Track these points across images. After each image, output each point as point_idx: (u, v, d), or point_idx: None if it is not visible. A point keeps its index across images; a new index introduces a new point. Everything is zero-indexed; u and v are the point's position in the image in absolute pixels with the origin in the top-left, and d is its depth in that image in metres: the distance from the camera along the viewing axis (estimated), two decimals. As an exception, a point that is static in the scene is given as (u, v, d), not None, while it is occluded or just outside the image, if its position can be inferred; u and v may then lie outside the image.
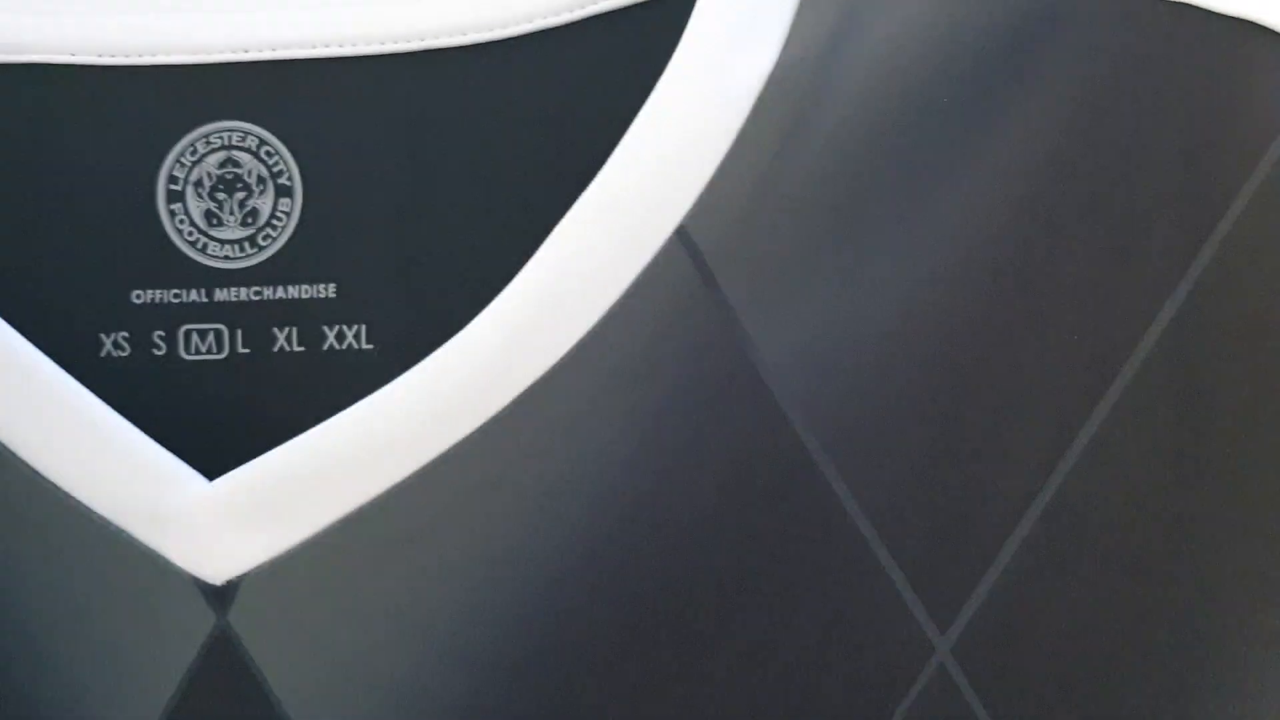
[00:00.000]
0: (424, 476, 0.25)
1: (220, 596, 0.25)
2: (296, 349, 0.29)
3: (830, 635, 0.25)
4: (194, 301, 0.29)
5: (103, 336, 0.29)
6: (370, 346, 0.29)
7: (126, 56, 0.29)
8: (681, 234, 0.25)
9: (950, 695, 0.26)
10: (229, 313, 0.29)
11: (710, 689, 0.25)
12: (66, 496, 0.25)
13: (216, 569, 0.25)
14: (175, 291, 0.29)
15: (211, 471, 0.26)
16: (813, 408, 0.25)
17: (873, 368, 0.25)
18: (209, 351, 0.29)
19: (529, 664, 0.26)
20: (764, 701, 0.25)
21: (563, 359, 0.25)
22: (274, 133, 0.29)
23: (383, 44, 0.29)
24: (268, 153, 0.29)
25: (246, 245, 0.29)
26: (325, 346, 0.29)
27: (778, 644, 0.25)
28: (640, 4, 0.29)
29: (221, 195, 0.29)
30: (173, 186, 0.29)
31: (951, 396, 0.25)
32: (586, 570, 0.25)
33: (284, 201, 0.29)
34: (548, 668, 0.26)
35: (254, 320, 0.29)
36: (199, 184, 0.29)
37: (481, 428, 0.25)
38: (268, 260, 0.29)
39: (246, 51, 0.29)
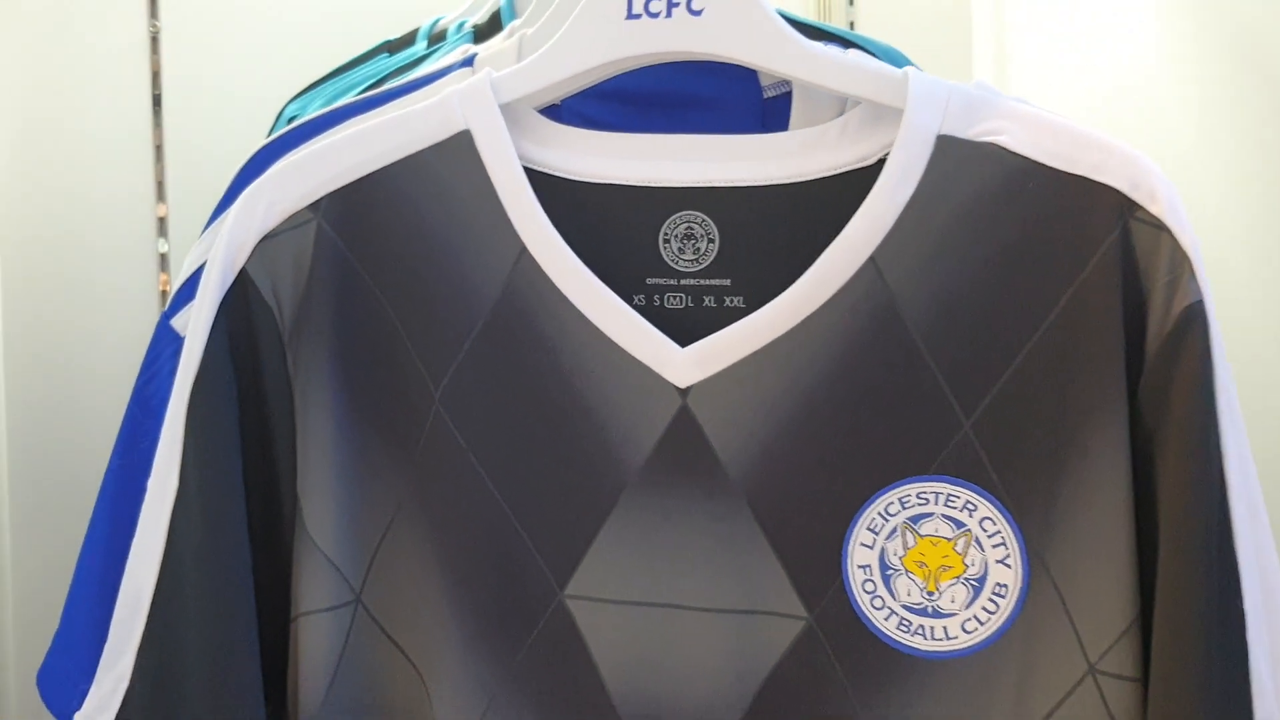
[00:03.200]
0: (767, 349, 0.65)
1: (684, 393, 0.65)
2: (712, 305, 0.70)
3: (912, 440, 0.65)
4: (670, 284, 0.70)
5: (634, 297, 0.70)
6: (744, 305, 0.69)
7: (648, 182, 0.70)
8: (873, 260, 0.65)
9: None
10: (686, 290, 0.70)
11: (872, 443, 0.65)
12: (618, 347, 0.66)
13: (683, 379, 0.66)
14: (664, 279, 0.70)
15: (681, 344, 0.66)
16: (930, 335, 0.64)
17: (963, 313, 0.64)
18: (676, 305, 0.70)
19: (816, 421, 0.65)
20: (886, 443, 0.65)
21: (818, 309, 0.65)
22: (708, 215, 0.70)
23: (755, 182, 0.70)
24: (704, 224, 0.70)
25: (695, 262, 0.70)
26: (725, 305, 0.70)
27: (899, 444, 0.65)
28: (843, 173, 0.69)
29: (684, 241, 0.70)
30: (664, 237, 0.70)
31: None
32: (831, 393, 0.65)
33: (710, 246, 0.70)
34: (819, 430, 0.65)
35: (695, 293, 0.70)
36: (675, 235, 0.70)
37: (787, 333, 0.65)
38: (704, 269, 0.70)
39: (696, 183, 0.70)
